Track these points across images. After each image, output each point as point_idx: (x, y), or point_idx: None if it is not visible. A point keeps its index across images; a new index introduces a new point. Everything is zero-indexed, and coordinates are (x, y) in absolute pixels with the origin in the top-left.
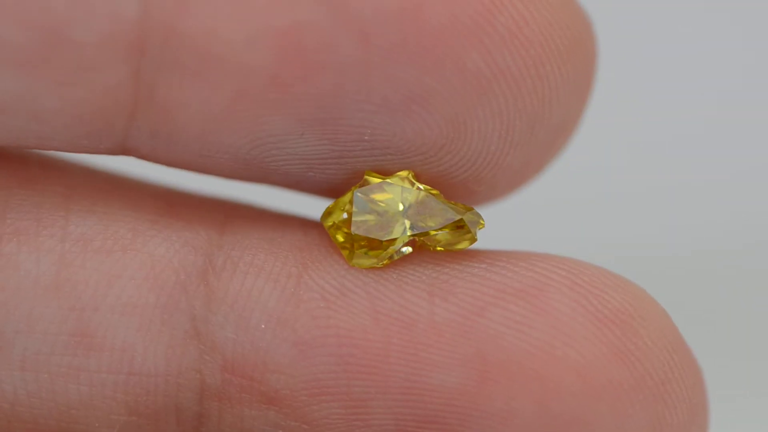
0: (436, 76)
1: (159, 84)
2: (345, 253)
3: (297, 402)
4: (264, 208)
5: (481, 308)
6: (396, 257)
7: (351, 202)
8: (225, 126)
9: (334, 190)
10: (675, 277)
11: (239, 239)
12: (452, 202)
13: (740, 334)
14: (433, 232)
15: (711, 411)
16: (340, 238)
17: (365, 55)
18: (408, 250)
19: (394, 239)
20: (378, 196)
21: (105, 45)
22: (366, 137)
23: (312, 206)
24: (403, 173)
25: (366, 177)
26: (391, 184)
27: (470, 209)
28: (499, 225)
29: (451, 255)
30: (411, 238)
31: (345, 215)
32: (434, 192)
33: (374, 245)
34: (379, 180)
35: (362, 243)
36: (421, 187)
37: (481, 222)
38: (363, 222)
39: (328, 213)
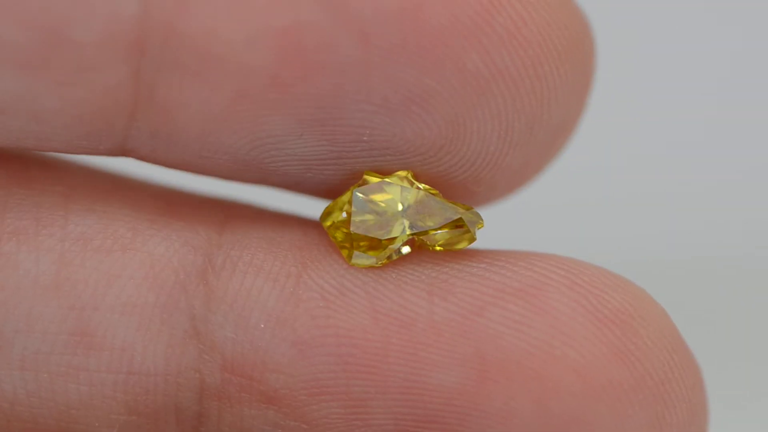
0: (435, 77)
1: (159, 84)
2: (344, 252)
3: (296, 401)
4: (263, 208)
5: (481, 308)
6: (395, 257)
7: (350, 202)
8: (225, 126)
9: (333, 190)
10: (674, 277)
11: (239, 239)
12: (451, 201)
13: (740, 334)
14: (432, 232)
15: (710, 411)
16: (340, 237)
17: (365, 56)
18: (407, 249)
19: (394, 239)
20: (377, 196)
21: (105, 45)
22: (365, 138)
23: (311, 206)
24: (402, 173)
25: (365, 177)
26: (390, 183)
27: (469, 209)
28: (499, 225)
29: (451, 254)
30: (410, 237)
31: (344, 215)
32: (433, 192)
33: (373, 245)
34: (379, 180)
35: (361, 242)
36: (420, 186)
37: (480, 222)
38: (362, 221)
39: (327, 213)
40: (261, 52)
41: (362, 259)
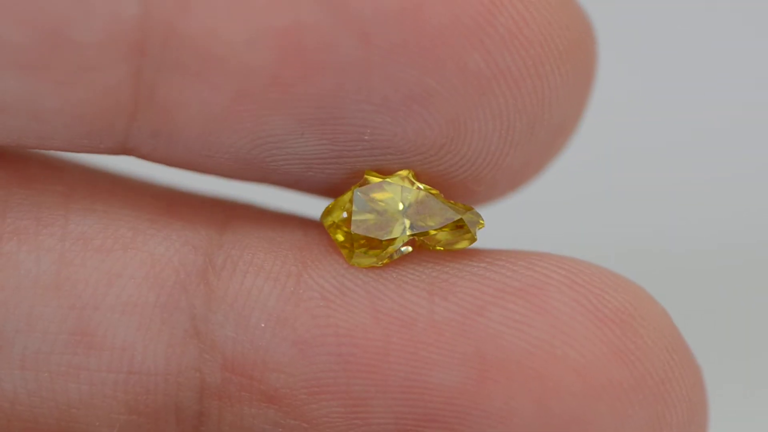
0: (436, 76)
1: (159, 84)
2: (344, 252)
3: (297, 401)
4: (264, 208)
5: (481, 307)
6: (396, 256)
7: (351, 202)
8: (225, 126)
9: (333, 189)
10: (675, 276)
11: (239, 238)
12: (452, 201)
13: (740, 333)
14: (432, 232)
15: (710, 410)
16: (340, 237)
17: (365, 55)
18: (408, 249)
19: (394, 239)
20: (378, 196)
21: (105, 45)
22: (366, 137)
23: (312, 205)
24: (403, 173)
25: (366, 176)
26: (391, 183)
27: (470, 209)
28: (499, 224)
29: (451, 254)
30: (411, 237)
31: (345, 214)
32: (434, 192)
33: (374, 244)
34: (379, 179)
35: (362, 242)
36: (421, 186)
37: (481, 222)
38: (363, 221)
39: (327, 212)
40: (261, 53)
41: (363, 258)
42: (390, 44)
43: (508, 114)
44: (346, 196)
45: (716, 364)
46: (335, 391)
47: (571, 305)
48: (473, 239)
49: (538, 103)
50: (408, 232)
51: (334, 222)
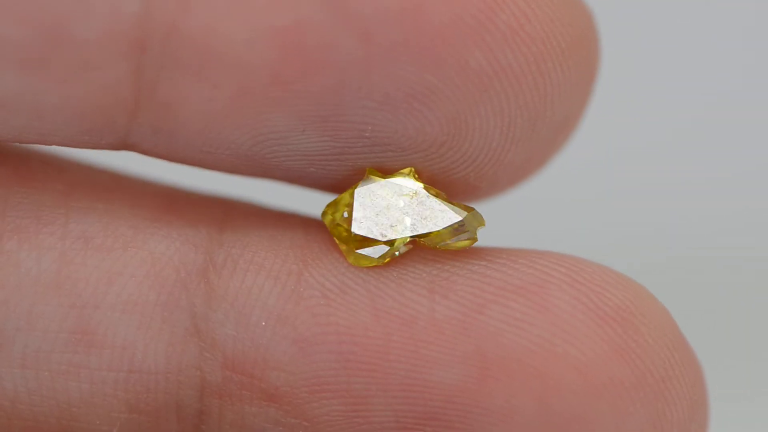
0: (437, 74)
1: (160, 81)
2: (345, 251)
3: (297, 399)
4: (264, 206)
5: (482, 305)
6: (396, 254)
7: (352, 200)
8: (226, 123)
9: (335, 185)
10: (675, 274)
11: (240, 237)
12: (453, 202)
13: (740, 331)
14: (433, 234)
15: (711, 408)
16: (341, 235)
17: (366, 53)
18: (408, 247)
19: (394, 239)
20: (379, 194)
21: (106, 43)
22: (367, 134)
23: (313, 204)
24: (405, 171)
25: (367, 175)
26: (392, 182)
27: (471, 210)
28: (500, 222)
29: (451, 252)
30: (411, 238)
31: (345, 213)
32: (435, 191)
33: (374, 243)
34: (381, 178)
35: (362, 241)
36: (423, 186)
37: (482, 223)
38: (364, 220)
39: (328, 211)
40: (262, 50)
41: (363, 257)
42: (391, 42)
43: (509, 111)
44: (347, 195)
45: (716, 363)
46: (336, 389)
47: (571, 303)
48: (474, 240)
49: (540, 100)
50: (409, 232)
51: (334, 220)
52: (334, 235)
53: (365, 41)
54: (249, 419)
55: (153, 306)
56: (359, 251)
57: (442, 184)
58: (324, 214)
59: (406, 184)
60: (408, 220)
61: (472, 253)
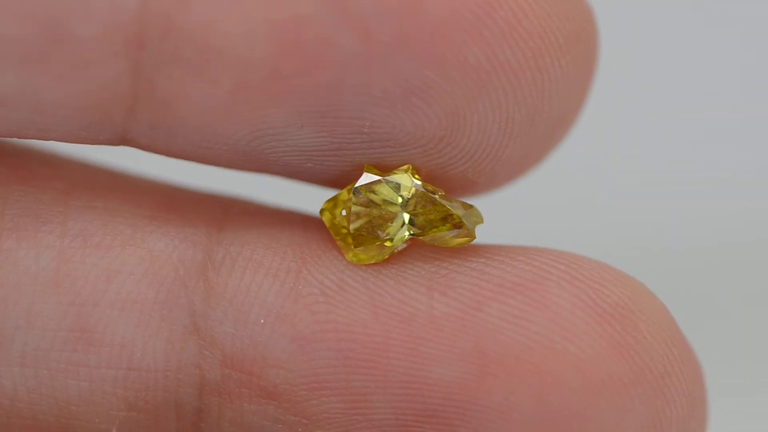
0: (435, 69)
1: (158, 77)
2: (343, 248)
3: (296, 397)
4: (263, 204)
5: (480, 303)
6: (395, 251)
7: (350, 198)
8: (225, 118)
9: (333, 181)
10: (674, 271)
11: (238, 235)
12: (452, 199)
13: (739, 328)
14: (431, 232)
15: (710, 405)
16: (339, 233)
17: (365, 49)
18: (405, 244)
19: (393, 237)
20: (377, 192)
21: (104, 39)
22: (365, 130)
23: (311, 202)
24: (403, 168)
25: (366, 173)
26: (390, 180)
27: (469, 207)
28: (498, 219)
29: (450, 250)
30: (410, 236)
31: (344, 212)
32: (433, 188)
33: (372, 241)
34: (379, 176)
35: (360, 239)
36: (421, 183)
37: (480, 220)
38: (362, 218)
39: (326, 209)
40: (260, 46)
41: (361, 255)
42: (389, 38)
43: (507, 106)
44: (345, 192)
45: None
46: (335, 386)
47: (570, 300)
48: (472, 237)
49: (538, 96)
50: (407, 229)
51: (333, 218)
52: (332, 232)
53: (364, 37)
54: (248, 417)
55: (152, 304)
56: (357, 249)
57: (440, 180)
58: (322, 211)
59: (404, 181)
60: (406, 218)
61: (470, 250)
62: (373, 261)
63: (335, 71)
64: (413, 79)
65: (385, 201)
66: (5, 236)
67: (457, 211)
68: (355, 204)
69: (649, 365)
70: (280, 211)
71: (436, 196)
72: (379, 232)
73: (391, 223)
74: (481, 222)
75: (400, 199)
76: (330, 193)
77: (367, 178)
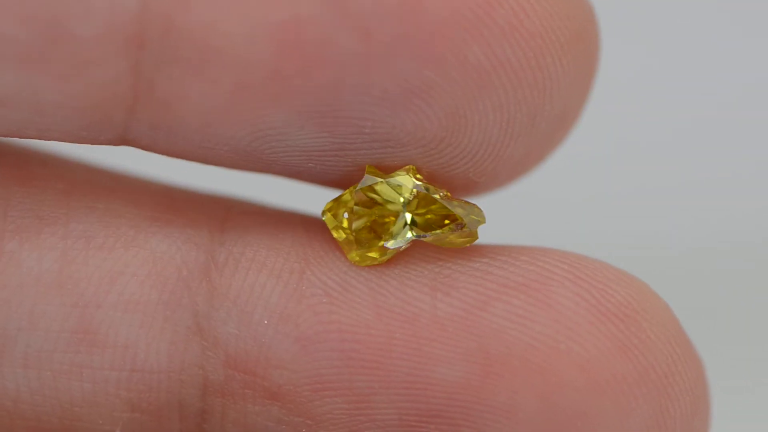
0: (436, 69)
1: (158, 77)
2: (346, 249)
3: (300, 397)
4: (266, 205)
5: (484, 303)
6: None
7: (352, 199)
8: (225, 119)
9: (335, 181)
10: (677, 271)
11: (241, 235)
12: (454, 199)
13: (741, 327)
14: (434, 232)
15: (713, 404)
16: (341, 234)
17: (365, 49)
18: (408, 245)
19: (395, 238)
20: (379, 193)
21: (104, 39)
22: (366, 130)
23: (314, 202)
24: (405, 168)
25: (367, 174)
26: (392, 181)
27: (471, 207)
28: (500, 219)
29: (453, 250)
30: (412, 237)
31: (346, 213)
32: (435, 189)
33: (375, 242)
34: (381, 177)
35: (363, 239)
36: (422, 184)
37: (482, 220)
38: (364, 219)
39: (329, 209)
40: (260, 46)
41: (364, 256)
42: (389, 37)
43: (508, 106)
44: (347, 194)
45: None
46: (338, 387)
47: (573, 300)
48: (474, 237)
49: (539, 95)
50: (409, 230)
51: (335, 219)
52: (334, 234)
53: (364, 37)
54: (251, 418)
55: (155, 305)
56: (360, 250)
57: (442, 180)
58: (324, 213)
59: (406, 182)
60: (408, 218)
61: (473, 250)
62: (375, 262)
63: (335, 71)
64: (413, 79)
65: (386, 202)
66: (8, 238)
67: (459, 211)
68: (357, 205)
69: (653, 365)
70: (282, 211)
71: (438, 197)
72: (382, 233)
73: (393, 223)
74: (484, 222)
75: (401, 200)
76: (332, 193)
77: (368, 179)
